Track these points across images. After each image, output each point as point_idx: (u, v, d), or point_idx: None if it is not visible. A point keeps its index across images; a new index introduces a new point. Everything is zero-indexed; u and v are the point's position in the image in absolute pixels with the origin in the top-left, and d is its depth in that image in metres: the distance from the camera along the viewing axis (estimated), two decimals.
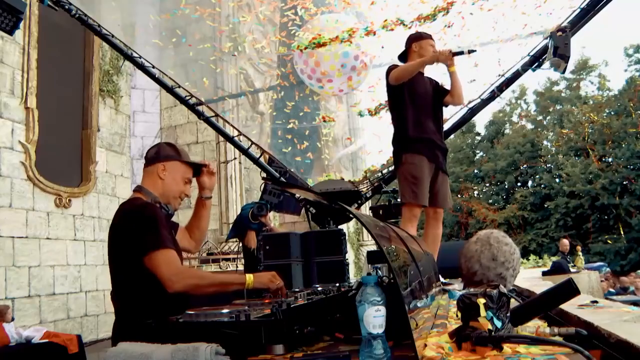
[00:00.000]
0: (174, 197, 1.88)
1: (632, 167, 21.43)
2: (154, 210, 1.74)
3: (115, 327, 1.74)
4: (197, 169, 1.99)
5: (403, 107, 3.21)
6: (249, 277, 1.71)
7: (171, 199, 1.87)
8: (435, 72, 3.51)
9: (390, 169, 5.46)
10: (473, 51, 3.28)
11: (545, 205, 23.56)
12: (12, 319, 4.44)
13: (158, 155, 1.87)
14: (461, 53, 3.19)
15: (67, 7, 4.75)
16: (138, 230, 1.67)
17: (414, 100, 3.21)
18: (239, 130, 5.94)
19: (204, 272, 1.84)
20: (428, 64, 3.20)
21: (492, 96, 5.01)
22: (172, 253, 1.66)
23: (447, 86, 3.36)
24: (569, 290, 1.10)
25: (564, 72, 4.33)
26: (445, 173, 3.27)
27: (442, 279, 3.00)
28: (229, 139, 5.84)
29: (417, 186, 3.06)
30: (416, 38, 3.39)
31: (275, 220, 8.73)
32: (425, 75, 3.41)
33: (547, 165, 25.41)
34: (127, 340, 1.15)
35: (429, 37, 3.42)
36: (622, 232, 20.49)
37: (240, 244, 5.53)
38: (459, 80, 3.27)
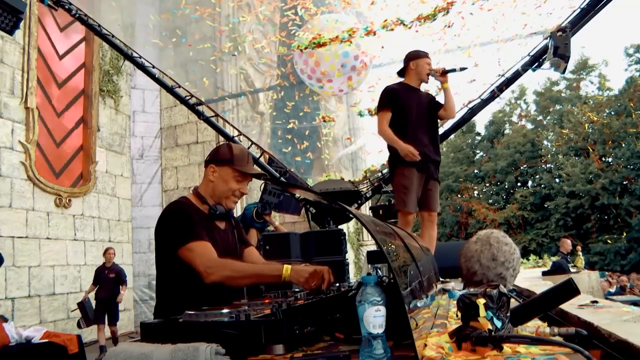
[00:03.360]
0: (226, 197, 1.87)
1: (632, 167, 21.44)
2: (185, 208, 1.77)
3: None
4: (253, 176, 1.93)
5: (397, 123, 3.42)
6: (286, 270, 1.65)
7: (223, 199, 1.87)
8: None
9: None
10: (464, 68, 3.52)
11: (545, 205, 23.57)
12: (5, 320, 4.43)
13: (212, 157, 1.88)
14: (453, 70, 3.44)
15: (67, 7, 4.75)
16: (172, 225, 1.73)
17: (408, 116, 3.41)
18: (239, 130, 5.95)
19: (240, 264, 1.75)
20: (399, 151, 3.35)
21: (492, 96, 5.02)
22: (206, 244, 1.68)
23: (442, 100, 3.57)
24: (569, 290, 1.10)
25: (564, 72, 4.34)
26: (436, 180, 3.47)
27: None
28: (229, 139, 5.85)
29: (407, 195, 3.32)
30: (413, 57, 3.53)
31: (275, 220, 8.73)
32: (421, 90, 3.58)
33: (547, 165, 25.42)
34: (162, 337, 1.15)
35: (426, 55, 3.53)
36: (622, 232, 20.49)
37: None
38: (452, 95, 3.50)
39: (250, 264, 1.77)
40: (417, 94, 3.49)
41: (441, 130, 5.26)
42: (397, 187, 3.41)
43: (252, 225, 4.93)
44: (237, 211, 8.26)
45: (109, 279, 6.75)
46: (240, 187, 1.87)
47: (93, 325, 6.61)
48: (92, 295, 6.72)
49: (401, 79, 3.60)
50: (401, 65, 3.63)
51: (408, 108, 3.39)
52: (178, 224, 1.72)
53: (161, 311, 1.74)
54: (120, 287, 6.82)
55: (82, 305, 6.48)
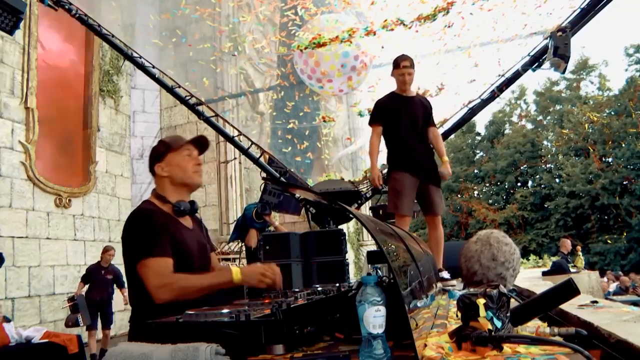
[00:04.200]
0: (188, 176, 1.85)
1: (632, 167, 21.43)
2: (148, 215, 1.73)
3: (132, 325, 1.76)
4: (199, 146, 1.93)
5: (389, 133, 3.57)
6: (236, 274, 1.66)
7: (186, 179, 1.85)
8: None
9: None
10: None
11: (545, 205, 23.57)
12: (8, 320, 4.42)
13: (152, 159, 1.86)
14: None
15: (67, 7, 4.75)
16: (132, 237, 1.70)
17: (398, 125, 3.52)
18: (239, 130, 5.94)
19: (189, 279, 1.66)
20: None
21: (492, 96, 5.02)
22: (160, 262, 1.64)
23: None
24: (569, 290, 1.10)
25: (564, 72, 4.34)
26: (436, 185, 3.50)
27: (447, 275, 3.04)
28: (229, 139, 5.84)
29: (398, 198, 3.40)
30: (393, 64, 3.60)
31: (275, 220, 8.73)
32: (416, 96, 3.66)
33: (547, 165, 25.42)
34: (138, 340, 1.15)
35: (398, 65, 3.52)
36: (622, 232, 20.49)
37: (241, 244, 5.53)
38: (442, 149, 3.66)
39: (200, 275, 1.69)
40: (407, 101, 3.53)
41: (441, 131, 5.26)
42: (390, 190, 3.52)
43: (252, 226, 4.93)
44: (238, 212, 8.27)
45: (104, 280, 6.44)
46: (193, 159, 1.86)
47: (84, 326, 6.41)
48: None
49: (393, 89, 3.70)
50: None
51: (398, 117, 3.51)
52: (137, 236, 1.69)
53: (135, 320, 1.72)
54: (121, 290, 6.57)
55: (74, 301, 6.06)
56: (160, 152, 1.85)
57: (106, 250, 6.61)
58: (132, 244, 1.69)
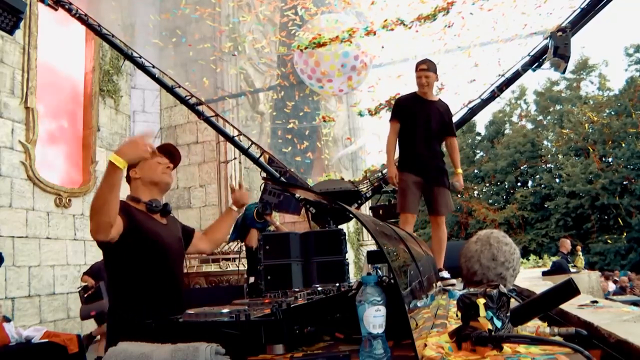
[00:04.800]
0: (157, 175, 1.95)
1: (632, 167, 21.43)
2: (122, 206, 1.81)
3: (109, 325, 1.85)
4: (166, 153, 2.02)
5: (403, 132, 3.63)
6: (116, 161, 1.69)
7: (155, 178, 1.95)
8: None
9: None
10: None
11: (545, 205, 23.57)
12: (8, 320, 4.42)
13: (127, 168, 1.93)
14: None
15: (67, 7, 4.75)
16: None
17: (412, 126, 3.58)
18: (239, 130, 5.94)
19: (92, 202, 1.72)
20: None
21: (492, 96, 5.02)
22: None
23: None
24: (569, 290, 1.10)
25: (564, 72, 4.34)
26: (441, 186, 3.54)
27: (447, 275, 3.05)
28: (229, 139, 5.84)
29: (403, 198, 3.51)
30: (415, 67, 3.66)
31: (276, 220, 8.74)
32: (438, 102, 3.68)
33: (547, 165, 25.42)
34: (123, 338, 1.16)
35: (417, 67, 3.59)
36: (622, 232, 20.49)
37: (241, 244, 5.53)
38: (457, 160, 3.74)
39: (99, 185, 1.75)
40: (424, 104, 3.57)
41: None
42: (398, 191, 3.63)
43: (252, 226, 4.92)
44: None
45: None
46: (159, 160, 1.95)
47: (93, 325, 6.48)
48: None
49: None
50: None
51: (412, 119, 3.56)
52: None
53: (114, 313, 1.81)
54: None
55: (93, 289, 5.76)
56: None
57: None
58: None
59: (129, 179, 1.96)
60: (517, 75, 4.85)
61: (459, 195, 25.91)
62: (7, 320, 4.41)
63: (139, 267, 1.80)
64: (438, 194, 3.51)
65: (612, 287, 10.53)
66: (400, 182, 3.56)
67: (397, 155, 3.75)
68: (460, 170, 3.66)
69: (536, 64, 4.65)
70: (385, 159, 3.83)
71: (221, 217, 2.34)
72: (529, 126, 27.28)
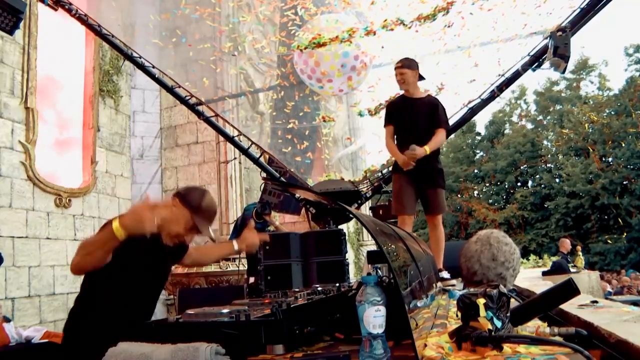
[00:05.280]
0: (167, 233, 1.84)
1: (632, 167, 21.42)
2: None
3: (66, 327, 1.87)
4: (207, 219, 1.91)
5: (395, 133, 3.67)
6: (117, 231, 1.49)
7: (165, 232, 1.83)
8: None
9: (390, 168, 5.48)
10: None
11: (545, 205, 23.56)
12: (8, 320, 4.42)
13: (183, 194, 1.88)
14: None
15: (67, 7, 4.75)
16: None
17: (401, 127, 3.62)
18: (239, 130, 5.94)
19: (87, 241, 1.65)
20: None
21: (492, 96, 5.01)
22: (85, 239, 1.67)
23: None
24: (569, 290, 1.10)
25: (564, 72, 4.34)
26: (435, 187, 3.53)
27: (447, 275, 3.04)
28: (229, 139, 5.84)
29: (397, 200, 3.55)
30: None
31: (275, 220, 8.75)
32: (426, 97, 3.65)
33: (547, 165, 25.41)
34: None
35: (396, 63, 3.61)
36: (622, 232, 20.48)
37: None
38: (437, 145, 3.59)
39: (97, 234, 1.63)
40: (410, 102, 3.57)
41: None
42: (392, 192, 3.71)
43: None
44: (238, 212, 8.26)
45: None
46: (187, 235, 1.85)
47: None
48: None
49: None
50: None
51: (400, 119, 3.61)
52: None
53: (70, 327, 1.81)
54: None
55: None
56: (190, 202, 1.83)
57: None
58: None
59: (174, 197, 1.88)
60: (517, 75, 4.85)
61: (458, 195, 25.94)
62: (7, 320, 4.42)
63: (112, 284, 1.74)
64: (432, 194, 3.50)
65: (610, 287, 10.53)
66: (394, 184, 3.62)
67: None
68: (427, 148, 3.41)
69: (536, 64, 4.64)
70: (387, 158, 3.84)
71: (217, 246, 2.26)
72: (529, 126, 27.28)
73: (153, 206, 1.53)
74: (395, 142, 3.66)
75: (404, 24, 4.97)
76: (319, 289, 1.81)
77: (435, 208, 3.52)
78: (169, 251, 1.91)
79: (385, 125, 3.72)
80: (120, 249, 1.59)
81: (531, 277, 5.83)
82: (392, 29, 5.07)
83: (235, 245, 2.15)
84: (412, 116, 3.53)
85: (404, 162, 3.44)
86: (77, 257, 1.62)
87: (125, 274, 1.76)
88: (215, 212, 1.93)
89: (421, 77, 3.64)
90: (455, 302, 1.25)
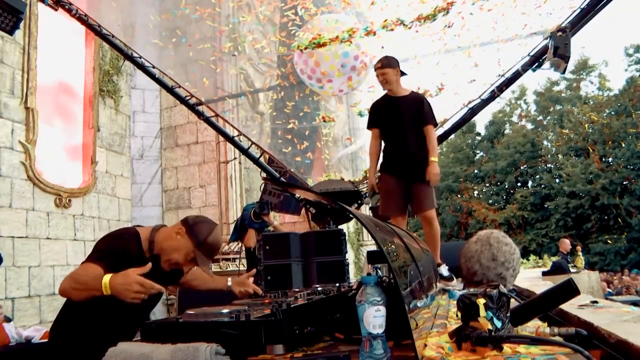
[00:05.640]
0: (167, 259, 1.83)
1: (632, 167, 21.43)
2: (117, 238, 1.80)
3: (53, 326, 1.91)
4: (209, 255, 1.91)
5: (381, 134, 3.65)
6: (105, 288, 1.52)
7: (164, 257, 1.83)
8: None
9: None
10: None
11: (545, 205, 23.56)
12: (9, 320, 4.43)
13: (191, 224, 1.84)
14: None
15: (67, 7, 4.75)
16: (95, 247, 1.80)
17: (387, 126, 3.58)
18: (239, 130, 5.94)
19: (79, 272, 1.65)
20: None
21: (492, 96, 5.01)
22: (86, 265, 1.67)
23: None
24: (569, 290, 1.10)
25: (564, 72, 4.33)
26: (421, 182, 3.45)
27: (446, 272, 3.03)
28: (229, 139, 5.84)
29: (384, 200, 3.54)
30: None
31: (275, 220, 8.75)
32: (410, 95, 3.60)
33: (547, 165, 25.41)
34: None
35: (375, 67, 3.60)
36: (622, 232, 20.48)
37: (241, 245, 5.53)
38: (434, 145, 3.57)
39: (89, 273, 1.61)
40: (395, 102, 3.55)
41: (441, 131, 5.26)
42: (380, 193, 3.64)
43: (250, 226, 4.93)
44: (238, 212, 8.27)
45: None
46: (185, 265, 1.84)
47: None
48: None
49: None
50: (401, 66, 3.64)
51: (385, 119, 3.58)
52: (100, 246, 1.77)
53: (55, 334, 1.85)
54: None
55: None
56: (196, 234, 1.81)
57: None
58: (91, 252, 1.77)
59: (181, 224, 1.87)
60: (517, 76, 4.85)
61: (458, 195, 25.94)
62: (8, 320, 4.42)
63: (102, 302, 1.66)
64: (418, 190, 3.44)
65: (611, 288, 10.53)
66: (380, 185, 3.57)
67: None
68: (434, 159, 3.40)
69: (536, 64, 4.64)
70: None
71: (211, 280, 2.22)
72: (529, 126, 27.28)
73: (148, 285, 1.51)
74: (382, 143, 3.67)
75: (404, 24, 4.97)
76: (319, 289, 1.81)
77: (424, 204, 3.43)
78: (164, 274, 1.88)
79: (369, 127, 3.70)
80: (115, 269, 1.59)
81: (531, 277, 5.82)
82: (392, 29, 5.07)
83: (229, 282, 2.16)
84: (397, 115, 3.50)
85: (371, 184, 3.60)
86: (66, 284, 1.64)
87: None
88: (219, 249, 1.91)
89: (403, 73, 3.57)
90: (455, 302, 1.25)
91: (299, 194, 4.25)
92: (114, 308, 1.67)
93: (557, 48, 4.11)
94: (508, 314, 1.06)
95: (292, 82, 6.13)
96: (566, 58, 4.14)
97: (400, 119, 3.50)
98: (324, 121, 6.70)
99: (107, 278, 1.52)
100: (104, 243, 1.80)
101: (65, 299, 1.84)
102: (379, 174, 3.66)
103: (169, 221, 8.92)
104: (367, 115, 3.82)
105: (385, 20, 5.08)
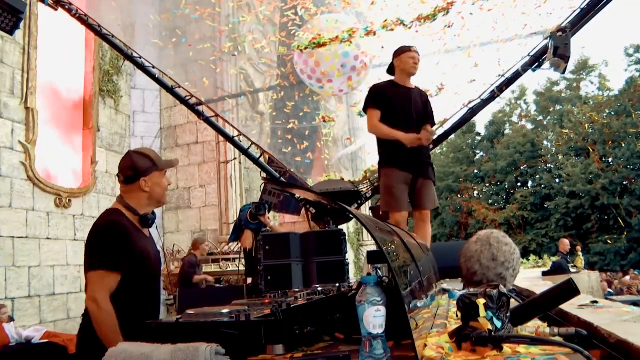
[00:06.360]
0: (164, 196, 2.04)
1: (632, 167, 21.42)
2: (110, 230, 1.83)
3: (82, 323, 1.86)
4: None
5: (384, 121, 3.37)
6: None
7: (162, 198, 2.03)
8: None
9: None
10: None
11: (546, 205, 23.56)
12: (12, 319, 4.43)
13: (136, 171, 1.94)
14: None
15: (67, 7, 4.75)
16: (87, 247, 1.84)
17: (393, 114, 3.36)
18: (239, 131, 5.94)
19: (106, 327, 1.72)
20: (403, 143, 3.26)
21: (492, 96, 5.01)
22: (100, 275, 1.76)
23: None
24: (569, 290, 1.10)
25: (564, 72, 4.33)
26: (426, 178, 3.39)
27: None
28: (229, 139, 5.84)
29: (390, 195, 3.31)
30: (396, 54, 3.51)
31: (275, 220, 8.74)
32: (415, 89, 3.53)
33: (547, 165, 25.40)
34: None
35: (408, 49, 3.46)
36: (622, 232, 20.48)
37: (241, 245, 5.53)
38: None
39: (113, 337, 1.69)
40: (404, 90, 3.43)
41: (441, 131, 5.26)
42: (382, 188, 3.42)
43: (247, 227, 4.93)
44: (237, 211, 8.27)
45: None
46: (167, 180, 2.05)
47: None
48: None
49: (392, 78, 3.57)
50: None
51: (392, 108, 3.37)
52: (97, 246, 1.81)
53: (85, 327, 1.81)
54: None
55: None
56: (147, 167, 1.95)
57: (203, 241, 7.25)
58: (91, 254, 1.81)
59: (130, 182, 1.94)
60: (517, 76, 4.85)
61: (458, 195, 25.94)
62: (12, 320, 4.43)
63: (126, 282, 1.82)
64: (423, 187, 3.35)
65: (612, 288, 10.53)
66: (385, 179, 3.35)
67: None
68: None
69: (536, 64, 4.64)
70: (378, 143, 3.48)
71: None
72: (529, 126, 27.27)
73: None
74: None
75: (404, 24, 4.97)
76: (319, 289, 1.81)
77: (428, 202, 3.36)
78: (153, 242, 2.05)
79: (369, 108, 3.43)
80: (126, 259, 1.76)
81: (531, 277, 5.82)
82: (392, 29, 5.07)
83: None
84: (407, 106, 3.37)
85: (412, 140, 3.19)
86: (92, 311, 1.75)
87: (132, 275, 1.83)
88: (152, 151, 2.06)
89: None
90: (455, 302, 1.25)
91: (299, 194, 4.26)
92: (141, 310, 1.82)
93: (557, 48, 4.10)
94: (508, 314, 1.06)
95: (292, 82, 6.13)
96: (566, 58, 4.14)
97: (409, 111, 3.36)
98: (324, 121, 6.70)
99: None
100: (102, 242, 1.82)
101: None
102: (380, 168, 3.43)
103: (168, 221, 8.92)
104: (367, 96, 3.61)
105: (385, 21, 5.07)
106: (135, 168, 1.93)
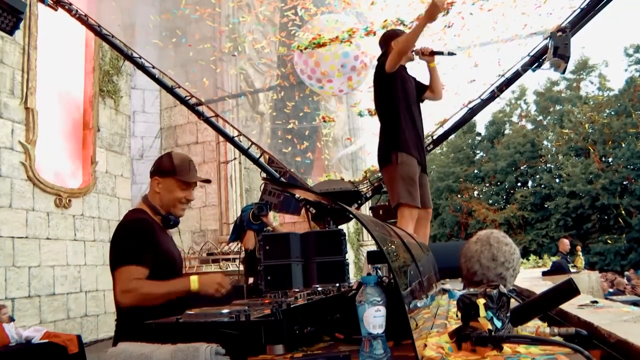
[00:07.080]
0: (173, 205, 1.98)
1: (632, 167, 21.42)
2: (136, 228, 1.85)
3: (117, 327, 1.85)
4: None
5: (395, 99, 3.09)
6: (194, 283, 1.78)
7: (170, 207, 1.98)
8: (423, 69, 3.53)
9: None
10: (452, 54, 3.37)
11: (546, 205, 23.56)
12: (13, 319, 4.43)
13: (155, 169, 1.98)
14: (441, 53, 3.25)
15: (67, 7, 4.75)
16: (118, 245, 1.84)
17: (406, 95, 3.11)
18: (239, 131, 5.94)
19: (152, 286, 1.75)
20: (430, 20, 2.89)
21: (492, 96, 5.01)
22: (131, 269, 1.76)
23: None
24: (569, 290, 1.10)
25: (564, 72, 4.33)
26: (426, 174, 3.21)
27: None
28: (229, 139, 5.84)
29: (413, 187, 2.96)
30: (394, 35, 3.26)
31: (275, 221, 8.75)
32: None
33: (547, 165, 25.41)
34: (128, 340, 1.16)
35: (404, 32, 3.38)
36: (622, 232, 20.48)
37: (241, 245, 5.52)
38: (438, 76, 3.33)
39: (161, 283, 1.78)
40: (406, 72, 3.27)
41: (441, 130, 5.26)
42: (402, 177, 2.96)
43: (249, 227, 4.92)
44: (238, 212, 8.27)
45: None
46: (186, 195, 1.99)
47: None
48: None
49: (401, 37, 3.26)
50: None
51: (405, 89, 3.14)
52: (124, 244, 1.82)
53: (125, 318, 1.82)
54: None
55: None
56: (166, 170, 1.95)
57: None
58: (118, 251, 1.82)
59: (150, 177, 1.98)
60: (517, 76, 4.85)
61: (458, 195, 25.94)
62: (12, 320, 4.43)
63: (152, 280, 1.83)
64: (425, 184, 3.17)
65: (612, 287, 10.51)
66: (407, 168, 2.94)
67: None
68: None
69: (536, 64, 4.64)
70: (381, 130, 3.18)
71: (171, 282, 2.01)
72: (529, 126, 27.27)
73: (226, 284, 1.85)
74: (386, 114, 3.13)
75: (404, 24, 4.97)
76: (319, 289, 1.81)
77: (429, 200, 3.19)
78: (174, 241, 2.09)
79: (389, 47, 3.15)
80: (152, 255, 1.79)
81: (531, 277, 5.83)
82: None
83: (196, 285, 1.86)
84: (412, 89, 3.21)
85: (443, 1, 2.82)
86: (127, 298, 1.73)
87: (158, 273, 1.84)
88: (189, 159, 2.06)
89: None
90: (455, 302, 1.25)
91: (299, 194, 4.26)
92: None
93: (557, 48, 4.10)
94: (508, 314, 1.06)
95: (292, 82, 6.13)
96: (566, 58, 4.14)
97: (414, 95, 3.18)
98: (324, 121, 6.70)
99: (192, 279, 1.77)
100: (129, 239, 1.83)
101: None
102: (398, 152, 2.99)
103: None
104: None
105: (385, 21, 5.07)
106: (158, 165, 1.97)
